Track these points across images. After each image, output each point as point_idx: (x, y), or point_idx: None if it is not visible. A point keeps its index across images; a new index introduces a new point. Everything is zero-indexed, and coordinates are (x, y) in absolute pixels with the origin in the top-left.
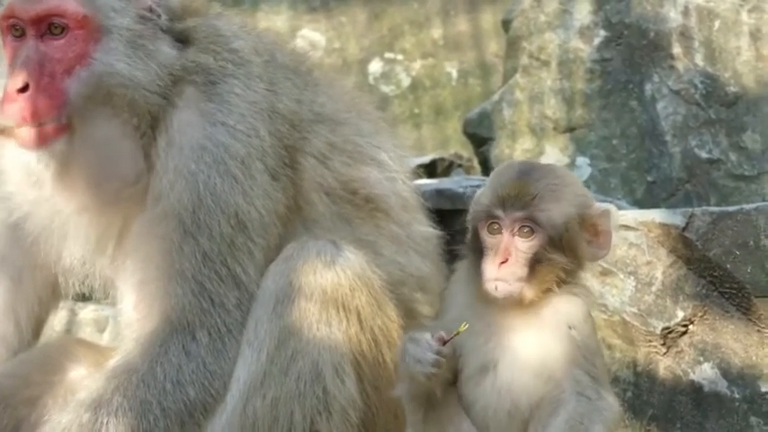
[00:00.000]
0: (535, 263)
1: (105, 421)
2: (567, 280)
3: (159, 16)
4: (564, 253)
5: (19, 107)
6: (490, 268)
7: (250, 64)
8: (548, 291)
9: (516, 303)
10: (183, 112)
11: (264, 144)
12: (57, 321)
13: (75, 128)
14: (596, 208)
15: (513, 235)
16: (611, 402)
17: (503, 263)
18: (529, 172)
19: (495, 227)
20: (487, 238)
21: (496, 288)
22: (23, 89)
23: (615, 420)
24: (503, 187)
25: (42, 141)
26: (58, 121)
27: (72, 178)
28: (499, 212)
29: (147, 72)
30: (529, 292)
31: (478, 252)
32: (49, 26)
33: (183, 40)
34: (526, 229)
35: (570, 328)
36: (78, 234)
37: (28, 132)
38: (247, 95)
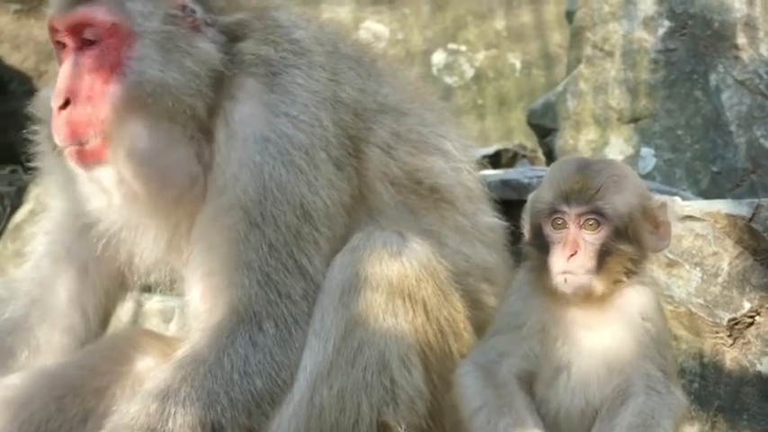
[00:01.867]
0: (603, 254)
1: (173, 411)
2: (635, 271)
3: (195, 12)
4: (630, 243)
5: (60, 125)
6: (559, 261)
7: (311, 54)
8: (617, 283)
9: (586, 297)
10: (245, 105)
11: (328, 134)
12: (123, 312)
13: (117, 141)
14: (656, 200)
15: (580, 228)
16: (679, 397)
17: (571, 255)
18: (588, 165)
19: (560, 221)
20: (552, 233)
21: (566, 281)
22: (64, 105)
23: (682, 415)
24: (565, 182)
25: (86, 161)
26: (98, 139)
27: (129, 189)
28: (563, 207)
29: (183, 73)
30: (599, 285)
31: (543, 248)
32: (84, 37)
33: (232, 33)
34: (591, 222)
35: (643, 319)
36: (149, 239)
37: (73, 152)
38: (310, 85)
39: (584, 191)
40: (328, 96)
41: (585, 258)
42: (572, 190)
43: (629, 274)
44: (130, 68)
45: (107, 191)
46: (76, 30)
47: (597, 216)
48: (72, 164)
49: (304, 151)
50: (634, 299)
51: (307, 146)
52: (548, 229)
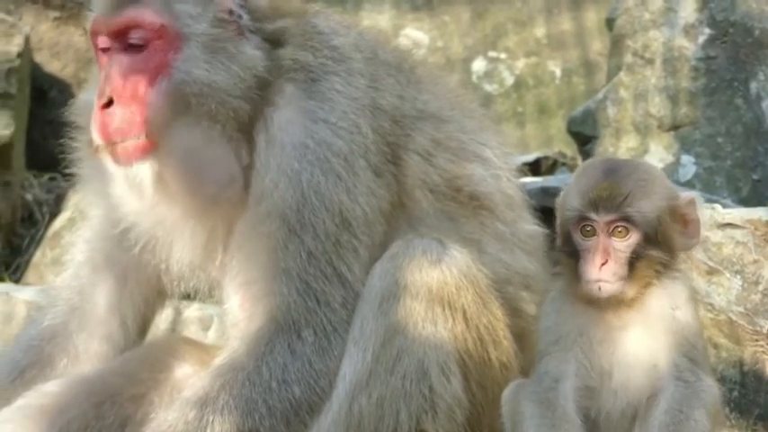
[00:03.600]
0: (634, 260)
1: (211, 419)
2: (665, 272)
3: (241, 17)
4: (660, 247)
5: (102, 124)
6: (591, 270)
7: (351, 60)
8: (648, 285)
9: (619, 302)
10: (284, 111)
11: (367, 141)
12: (162, 320)
13: (160, 141)
14: (683, 197)
15: (609, 235)
16: (709, 384)
17: (603, 264)
18: (615, 170)
19: (589, 229)
20: (582, 241)
21: (600, 288)
22: (107, 105)
23: (715, 403)
24: (592, 189)
25: (128, 159)
26: (141, 138)
27: (168, 188)
28: (592, 215)
29: (229, 76)
30: (630, 290)
31: (574, 255)
32: (130, 39)
33: (274, 40)
34: (620, 229)
35: (673, 309)
36: (185, 240)
37: (113, 150)
38: (349, 92)
39: (612, 198)
40: (367, 103)
41: (617, 266)
42: (600, 197)
43: (660, 275)
44: (178, 69)
45: (144, 189)
46: (123, 32)
47: (626, 223)
48: (109, 163)
49: (343, 158)
50: (665, 293)
51: (345, 153)
52: (577, 237)
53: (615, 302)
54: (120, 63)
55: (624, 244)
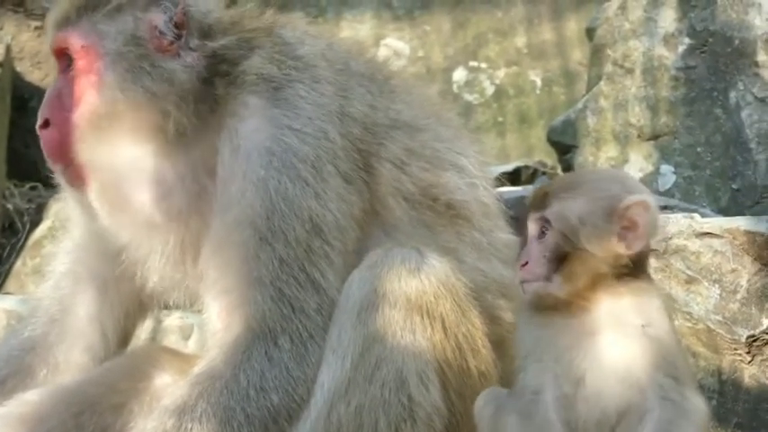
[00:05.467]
0: (559, 260)
1: (189, 427)
2: (619, 273)
3: (164, 34)
4: (588, 247)
5: (45, 146)
6: (516, 273)
7: (315, 68)
8: (596, 286)
9: (554, 301)
10: (249, 121)
11: (335, 147)
12: (142, 329)
13: (92, 162)
14: (627, 200)
15: (536, 237)
16: (696, 403)
17: (524, 265)
18: (561, 176)
19: (527, 233)
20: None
21: (524, 289)
22: (44, 125)
23: (703, 421)
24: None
25: (73, 182)
26: (79, 158)
27: (118, 207)
28: (528, 217)
29: (144, 93)
30: (561, 289)
31: None
32: (65, 59)
33: (224, 53)
34: (544, 229)
35: (644, 326)
36: (156, 255)
37: (62, 174)
38: (314, 98)
39: (536, 198)
40: (334, 110)
41: (534, 265)
42: (530, 199)
43: (604, 276)
44: (96, 88)
45: (97, 211)
46: (59, 52)
47: (544, 222)
48: (65, 186)
49: (310, 164)
50: (632, 306)
51: (312, 159)
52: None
53: (561, 306)
54: (56, 84)
55: (542, 244)
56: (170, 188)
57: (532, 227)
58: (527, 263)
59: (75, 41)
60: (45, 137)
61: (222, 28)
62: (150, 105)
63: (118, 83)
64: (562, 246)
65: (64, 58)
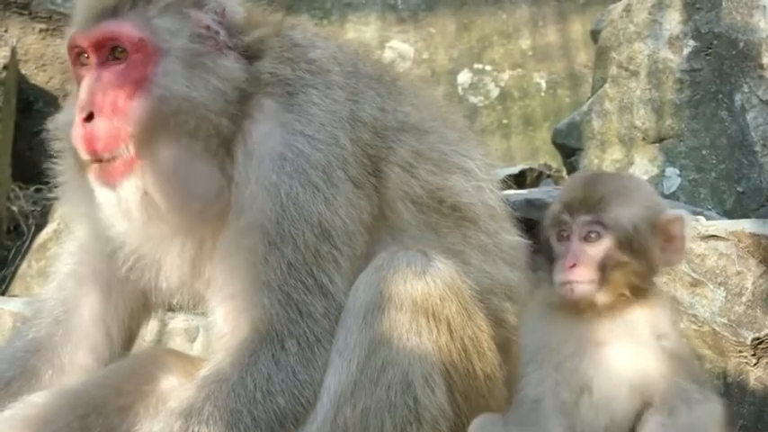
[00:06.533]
0: (606, 267)
1: (196, 430)
2: (643, 285)
3: (218, 33)
4: (635, 256)
5: (86, 138)
6: (559, 273)
7: (328, 73)
8: (622, 296)
9: (591, 308)
10: (262, 125)
11: (345, 153)
12: (147, 331)
13: (144, 156)
14: (669, 213)
15: (583, 240)
16: (717, 400)
17: (572, 267)
18: (596, 178)
19: (564, 233)
20: (557, 246)
21: (572, 290)
22: (88, 118)
23: (723, 418)
24: (569, 193)
25: (113, 177)
26: (125, 154)
27: (155, 206)
28: (566, 218)
29: (208, 91)
30: (602, 296)
31: (552, 261)
32: (110, 52)
33: (252, 53)
34: (593, 234)
35: (659, 338)
36: (174, 257)
37: (99, 169)
38: (327, 105)
39: (587, 200)
40: (346, 115)
41: (586, 270)
42: (575, 200)
43: (637, 287)
44: (157, 84)
45: (131, 210)
46: (101, 45)
47: (599, 227)
48: (95, 184)
49: (321, 170)
50: (646, 316)
51: (324, 164)
52: (554, 242)
53: (590, 311)
54: (100, 77)
55: (595, 248)
56: (198, 185)
57: (580, 229)
58: (574, 265)
59: (131, 33)
60: (88, 130)
61: (247, 25)
62: (209, 104)
63: (186, 79)
64: (613, 252)
65: (104, 50)
